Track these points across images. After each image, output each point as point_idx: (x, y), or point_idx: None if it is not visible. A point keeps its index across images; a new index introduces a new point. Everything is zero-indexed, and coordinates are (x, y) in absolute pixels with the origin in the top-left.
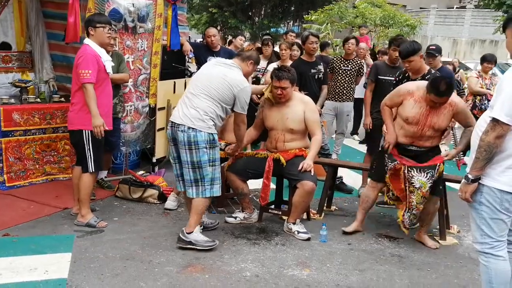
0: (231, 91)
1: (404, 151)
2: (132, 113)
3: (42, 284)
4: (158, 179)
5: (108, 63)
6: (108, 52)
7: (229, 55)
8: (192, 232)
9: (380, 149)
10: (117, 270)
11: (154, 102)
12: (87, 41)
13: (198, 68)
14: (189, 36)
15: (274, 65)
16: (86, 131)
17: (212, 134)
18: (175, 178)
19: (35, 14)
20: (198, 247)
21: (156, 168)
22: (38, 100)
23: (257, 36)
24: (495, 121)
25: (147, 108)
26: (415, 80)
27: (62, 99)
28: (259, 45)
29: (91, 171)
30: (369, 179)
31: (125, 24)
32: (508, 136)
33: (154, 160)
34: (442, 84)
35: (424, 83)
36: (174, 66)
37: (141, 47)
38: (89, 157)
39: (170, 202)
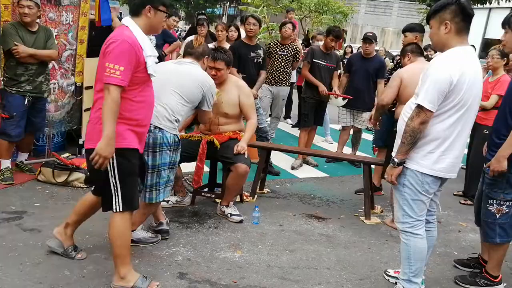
0: (200, 90)
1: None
2: (56, 92)
3: None
4: (84, 162)
5: (151, 59)
6: (31, 26)
7: (163, 33)
8: (134, 230)
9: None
10: (38, 259)
11: (81, 81)
12: (127, 22)
13: None
14: (121, 12)
15: (210, 46)
16: (112, 157)
17: (177, 135)
18: None
19: None
20: (140, 245)
21: (83, 151)
22: None
23: (192, 16)
24: (419, 107)
25: (73, 87)
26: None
27: None
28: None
29: (118, 209)
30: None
31: None
32: (431, 122)
33: (80, 142)
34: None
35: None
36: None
37: (66, 20)
38: (116, 193)
39: None
